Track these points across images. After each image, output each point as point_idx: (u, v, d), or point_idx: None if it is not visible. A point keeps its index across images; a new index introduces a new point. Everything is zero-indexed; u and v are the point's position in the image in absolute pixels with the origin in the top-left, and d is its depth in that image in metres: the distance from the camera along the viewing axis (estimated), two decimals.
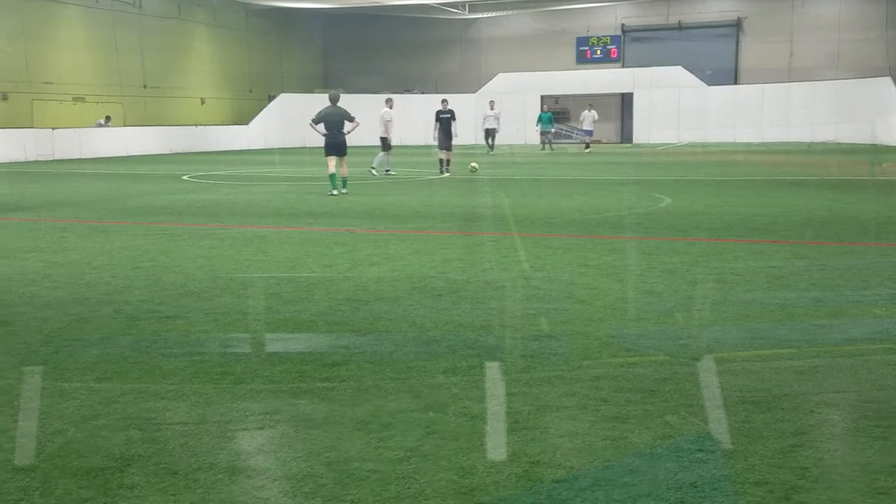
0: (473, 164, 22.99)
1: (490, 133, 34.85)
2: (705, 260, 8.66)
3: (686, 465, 3.52)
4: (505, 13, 50.82)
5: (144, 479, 3.46)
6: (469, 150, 35.17)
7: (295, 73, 52.65)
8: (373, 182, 20.16)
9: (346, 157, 16.85)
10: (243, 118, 46.95)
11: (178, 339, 5.74)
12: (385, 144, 22.55)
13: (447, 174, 21.78)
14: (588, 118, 37.59)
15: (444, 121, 23.12)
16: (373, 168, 22.29)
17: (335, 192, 16.45)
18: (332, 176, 16.66)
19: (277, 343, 5.76)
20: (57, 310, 6.66)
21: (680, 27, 48.83)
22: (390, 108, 22.77)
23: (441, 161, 22.44)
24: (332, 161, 16.66)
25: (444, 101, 24.35)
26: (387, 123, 22.42)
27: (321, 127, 16.55)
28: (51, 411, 4.29)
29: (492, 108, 35.01)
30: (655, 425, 4.00)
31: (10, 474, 3.52)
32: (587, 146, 37.23)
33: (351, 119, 16.66)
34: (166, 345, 5.59)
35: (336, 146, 16.60)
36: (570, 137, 47.70)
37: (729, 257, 8.82)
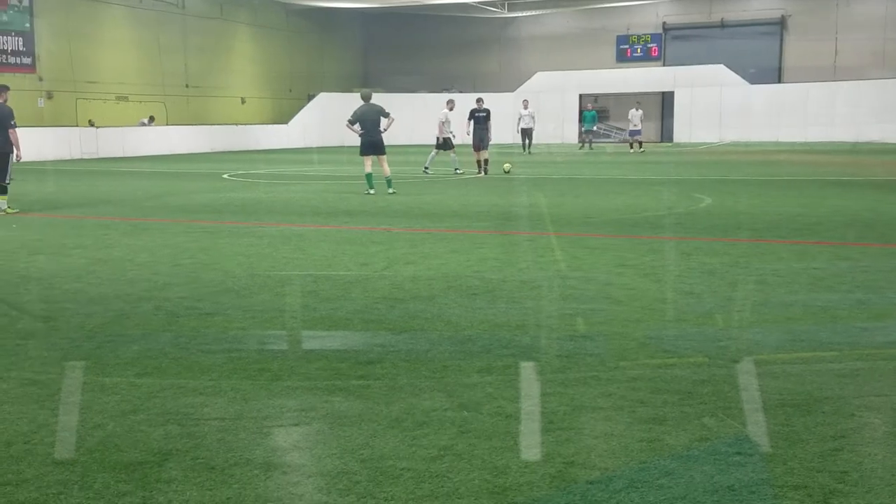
0: (507, 164, 22.90)
1: (526, 133, 34.13)
2: (746, 261, 8.55)
3: (723, 468, 3.48)
4: (544, 12, 50.64)
5: (182, 474, 3.50)
6: (507, 149, 35.11)
7: (334, 72, 52.95)
8: (411, 181, 20.20)
9: (385, 157, 16.66)
10: (283, 117, 47.34)
11: (216, 336, 5.80)
12: (438, 144, 22.64)
13: (483, 174, 21.69)
14: (636, 117, 36.06)
15: (480, 119, 22.46)
16: (457, 169, 22.30)
17: (372, 191, 16.35)
18: (368, 175, 16.55)
19: (314, 340, 5.80)
20: (99, 306, 6.77)
21: (722, 25, 48.28)
22: (450, 109, 22.71)
23: (478, 162, 22.05)
24: (369, 160, 16.53)
25: (479, 99, 23.90)
26: (441, 124, 22.41)
27: (358, 126, 16.39)
28: (92, 406, 4.36)
29: (525, 108, 34.36)
30: (692, 427, 3.95)
31: (51, 468, 3.58)
32: (635, 146, 35.41)
33: (386, 115, 16.50)
34: (205, 341, 5.66)
35: (373, 145, 16.44)
36: (608, 137, 47.40)
37: (770, 258, 8.70)
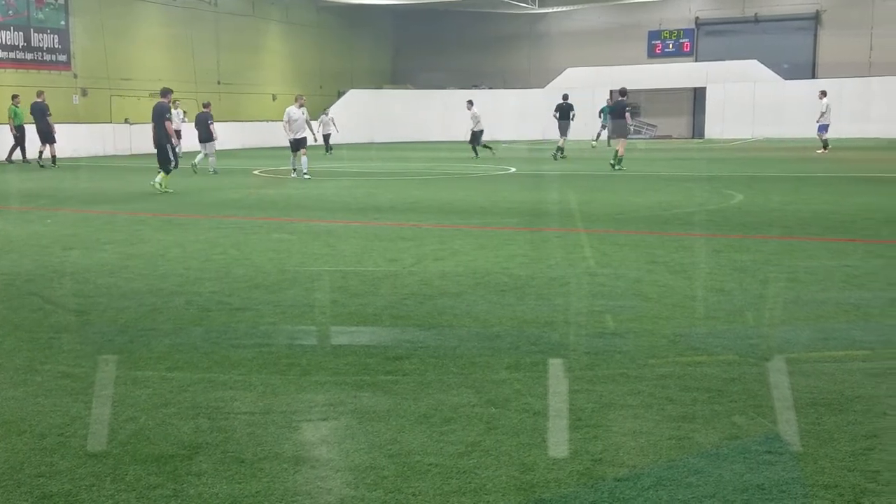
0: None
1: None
2: (777, 258, 8.46)
3: (753, 467, 3.45)
4: (575, 7, 50.37)
5: (212, 467, 3.53)
6: (540, 144, 34.90)
7: (364, 68, 53.04)
8: (440, 178, 20.22)
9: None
10: (313, 114, 47.41)
11: (246, 331, 5.84)
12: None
13: (557, 158, 26.60)
14: (822, 106, 28.93)
15: (564, 111, 28.20)
16: (304, 174, 20.77)
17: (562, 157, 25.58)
18: (560, 148, 26.63)
19: (342, 336, 5.83)
20: (132, 300, 6.85)
21: (756, 20, 47.75)
22: (299, 106, 22.40)
23: (558, 147, 27.41)
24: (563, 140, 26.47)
25: (565, 95, 29.36)
26: (289, 123, 21.02)
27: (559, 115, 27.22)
28: (124, 399, 4.41)
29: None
30: (722, 426, 3.93)
31: (83, 460, 3.64)
32: (825, 146, 28.84)
33: (571, 107, 27.95)
34: (235, 336, 5.71)
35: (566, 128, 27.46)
36: (639, 133, 47.04)
37: (802, 255, 8.60)
